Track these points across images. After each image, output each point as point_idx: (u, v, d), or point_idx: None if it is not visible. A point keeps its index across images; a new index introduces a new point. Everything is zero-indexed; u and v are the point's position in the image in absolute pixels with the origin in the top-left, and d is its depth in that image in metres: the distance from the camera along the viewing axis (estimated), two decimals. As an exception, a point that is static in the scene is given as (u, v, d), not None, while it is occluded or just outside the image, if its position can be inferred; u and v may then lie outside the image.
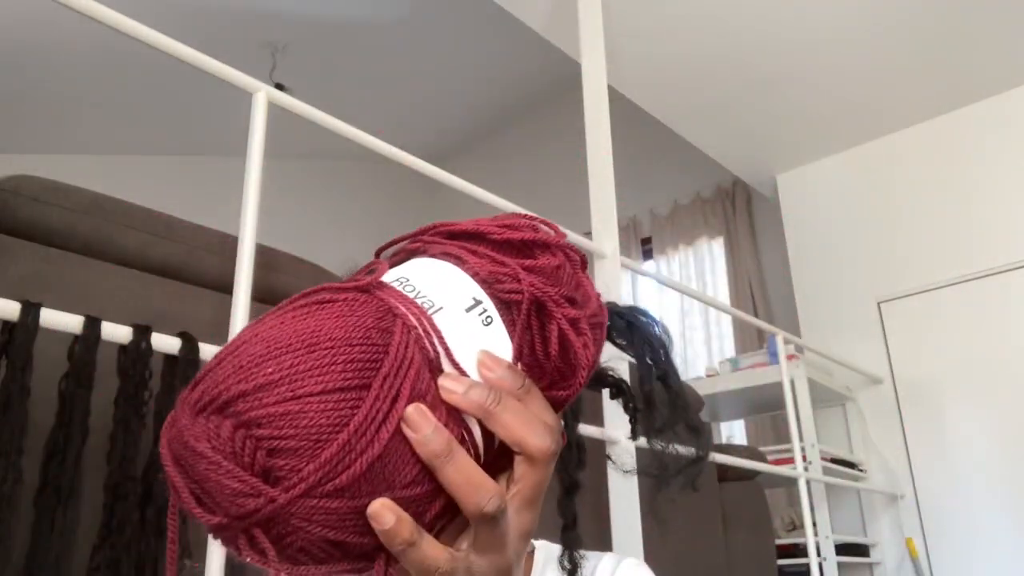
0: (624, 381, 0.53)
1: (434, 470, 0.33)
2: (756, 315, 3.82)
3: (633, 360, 0.51)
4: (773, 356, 2.81)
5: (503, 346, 0.37)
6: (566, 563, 0.59)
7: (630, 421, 0.53)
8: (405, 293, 0.36)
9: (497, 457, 0.37)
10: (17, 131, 3.96)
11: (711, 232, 4.32)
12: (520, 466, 0.35)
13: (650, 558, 1.22)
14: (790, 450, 2.45)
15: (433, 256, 0.39)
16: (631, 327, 0.51)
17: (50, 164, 2.24)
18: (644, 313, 0.53)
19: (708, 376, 3.26)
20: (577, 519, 0.59)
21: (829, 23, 2.80)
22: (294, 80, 3.75)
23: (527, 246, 0.40)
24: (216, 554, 0.90)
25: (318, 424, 0.31)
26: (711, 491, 2.15)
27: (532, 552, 0.69)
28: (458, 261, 0.38)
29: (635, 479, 1.54)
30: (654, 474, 0.51)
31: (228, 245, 1.10)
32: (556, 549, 0.68)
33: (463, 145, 5.18)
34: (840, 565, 2.73)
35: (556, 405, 0.39)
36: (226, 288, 1.05)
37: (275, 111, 1.17)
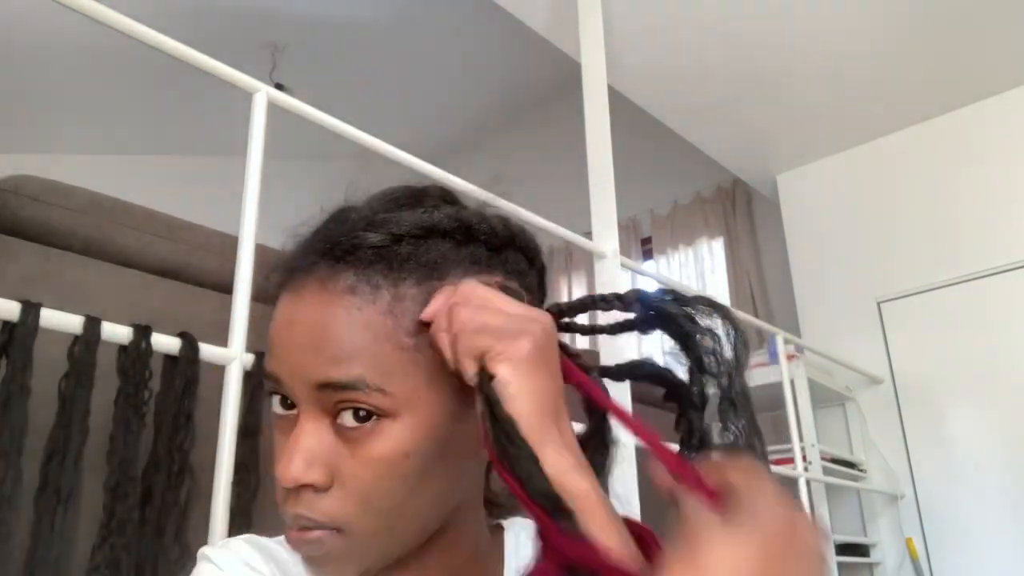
0: (684, 384, 0.49)
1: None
2: (756, 315, 3.82)
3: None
4: (773, 356, 2.80)
5: None
6: None
7: (686, 430, 0.49)
8: None
9: None
10: (17, 131, 3.96)
11: (711, 232, 4.32)
12: None
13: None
14: (790, 450, 2.45)
15: None
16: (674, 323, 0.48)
17: (50, 164, 2.24)
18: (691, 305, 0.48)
19: (708, 376, 3.25)
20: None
21: (829, 23, 2.80)
22: (294, 80, 3.75)
23: None
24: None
25: None
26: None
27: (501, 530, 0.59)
28: None
29: (635, 478, 1.54)
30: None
31: (228, 245, 1.10)
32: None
33: (463, 145, 5.17)
34: (840, 565, 2.73)
35: None
36: (226, 288, 1.05)
37: (275, 111, 1.17)
